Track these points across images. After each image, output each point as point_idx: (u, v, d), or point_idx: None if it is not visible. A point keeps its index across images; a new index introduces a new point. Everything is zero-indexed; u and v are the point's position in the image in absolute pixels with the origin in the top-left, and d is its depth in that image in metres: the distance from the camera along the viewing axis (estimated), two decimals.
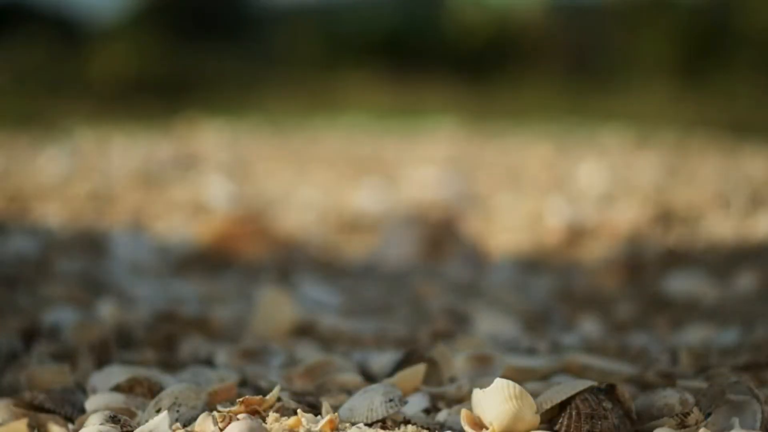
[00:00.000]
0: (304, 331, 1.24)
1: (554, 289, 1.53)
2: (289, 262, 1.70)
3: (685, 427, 0.90)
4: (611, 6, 7.27)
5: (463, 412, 0.90)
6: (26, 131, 3.34)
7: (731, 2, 6.82)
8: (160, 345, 1.18)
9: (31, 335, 1.19)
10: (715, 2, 7.03)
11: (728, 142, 3.36)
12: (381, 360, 1.08)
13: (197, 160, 2.84)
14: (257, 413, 0.90)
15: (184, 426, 0.90)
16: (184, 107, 4.65)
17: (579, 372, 1.06)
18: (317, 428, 0.88)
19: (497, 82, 6.36)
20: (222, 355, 1.12)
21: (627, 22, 6.87)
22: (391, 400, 0.91)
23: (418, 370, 0.98)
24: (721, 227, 1.96)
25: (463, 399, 0.96)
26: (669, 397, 0.93)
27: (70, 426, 0.93)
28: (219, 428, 0.88)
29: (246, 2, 8.22)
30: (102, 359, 1.10)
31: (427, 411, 0.95)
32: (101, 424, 0.90)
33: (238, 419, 0.88)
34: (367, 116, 4.80)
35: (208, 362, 1.11)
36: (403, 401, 0.92)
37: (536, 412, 0.88)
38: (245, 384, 1.03)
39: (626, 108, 5.22)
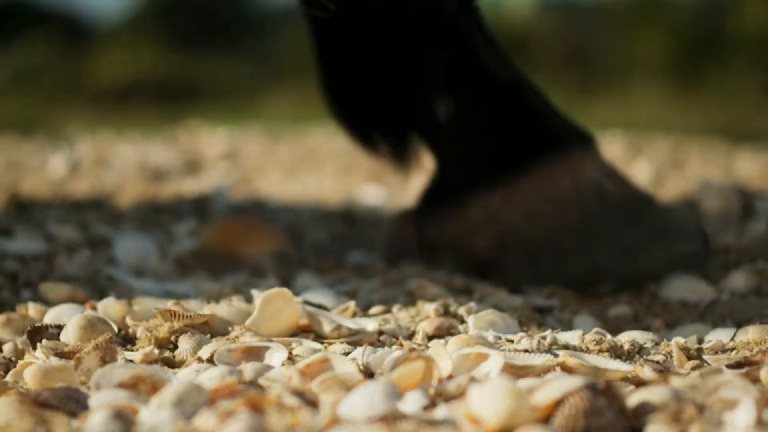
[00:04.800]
0: (304, 330, 1.25)
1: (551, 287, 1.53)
2: (289, 261, 1.71)
3: (679, 423, 0.91)
4: (608, 7, 7.27)
5: (461, 409, 0.91)
6: (27, 136, 3.34)
7: (727, 4, 6.83)
8: (162, 343, 1.19)
9: (34, 334, 1.21)
10: (712, 4, 7.03)
11: (725, 145, 3.36)
12: (380, 358, 1.09)
13: (198, 163, 2.85)
14: (258, 410, 0.91)
15: (187, 423, 0.91)
16: (185, 112, 4.65)
17: (575, 369, 1.07)
18: (317, 425, 0.89)
19: None
20: (223, 354, 1.13)
21: (624, 24, 6.87)
22: (389, 398, 0.92)
23: (417, 367, 0.99)
24: (715, 227, 1.97)
25: (461, 396, 0.97)
26: (663, 394, 0.94)
27: (74, 423, 0.94)
28: (220, 425, 0.89)
29: (247, 6, 8.22)
30: (105, 357, 1.11)
31: (425, 408, 0.96)
32: (105, 421, 0.91)
33: (239, 416, 0.89)
34: None
35: (209, 360, 1.12)
36: (401, 398, 0.93)
37: (532, 409, 0.90)
38: (246, 382, 1.04)
39: (623, 110, 5.22)
